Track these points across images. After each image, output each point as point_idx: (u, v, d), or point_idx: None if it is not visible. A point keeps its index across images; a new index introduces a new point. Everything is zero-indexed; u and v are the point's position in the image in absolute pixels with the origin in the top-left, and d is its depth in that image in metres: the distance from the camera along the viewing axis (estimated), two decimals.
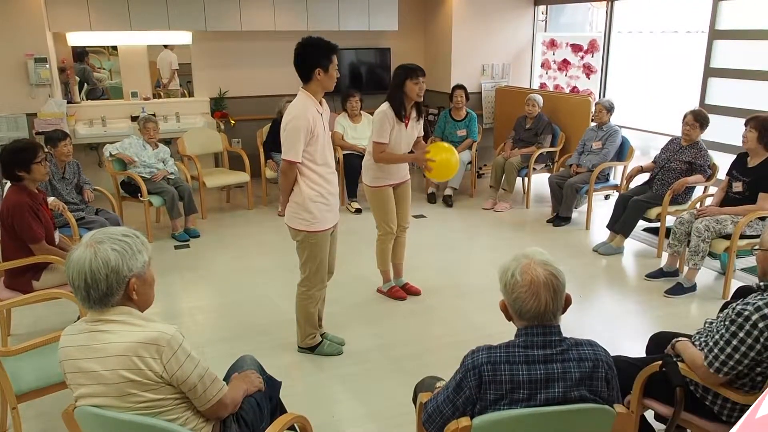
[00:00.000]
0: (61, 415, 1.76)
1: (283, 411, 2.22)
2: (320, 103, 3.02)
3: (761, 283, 2.09)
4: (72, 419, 1.71)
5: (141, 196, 5.07)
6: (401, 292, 4.10)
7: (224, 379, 2.04)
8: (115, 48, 6.72)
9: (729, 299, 2.33)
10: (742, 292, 2.23)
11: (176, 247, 5.12)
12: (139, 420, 1.61)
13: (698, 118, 4.56)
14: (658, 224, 4.80)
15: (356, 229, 5.56)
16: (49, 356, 2.50)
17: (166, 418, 1.66)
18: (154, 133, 5.32)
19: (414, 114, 3.77)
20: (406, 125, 3.74)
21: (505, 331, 1.73)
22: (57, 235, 3.56)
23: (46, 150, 4.00)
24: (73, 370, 1.65)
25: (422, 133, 3.94)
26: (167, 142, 6.19)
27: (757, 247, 2.15)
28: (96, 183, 4.96)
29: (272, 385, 2.20)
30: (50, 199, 3.98)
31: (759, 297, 2.02)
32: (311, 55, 2.91)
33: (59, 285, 3.31)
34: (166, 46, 6.92)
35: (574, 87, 7.02)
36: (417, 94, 3.64)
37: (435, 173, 3.72)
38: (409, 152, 3.88)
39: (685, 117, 4.63)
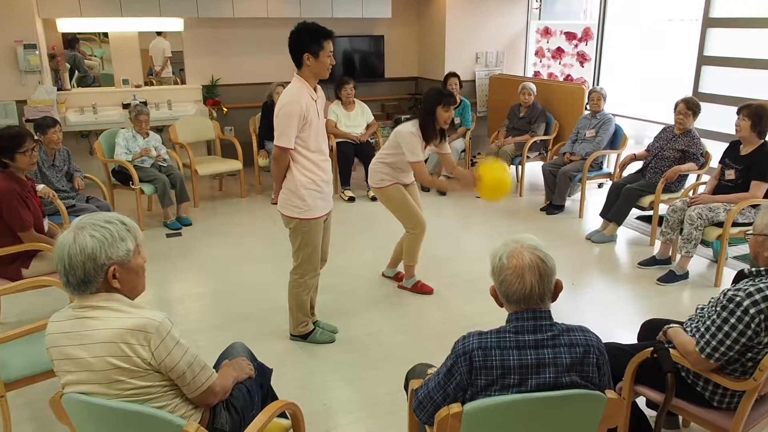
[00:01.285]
0: (48, 402, 1.74)
1: (274, 398, 2.22)
2: (315, 89, 2.98)
3: (753, 269, 2.09)
4: (59, 406, 1.70)
5: (132, 184, 5.04)
6: (427, 286, 4.01)
7: (215, 367, 2.03)
8: (106, 35, 6.64)
9: (730, 286, 2.31)
10: (742, 276, 2.23)
11: (168, 236, 5.10)
12: (127, 407, 1.60)
13: (690, 106, 4.56)
14: (651, 212, 4.80)
15: (349, 217, 5.55)
16: (37, 344, 2.48)
17: (154, 405, 1.65)
18: (146, 126, 5.27)
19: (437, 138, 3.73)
20: (426, 146, 3.72)
21: (498, 319, 1.73)
22: (46, 222, 3.53)
23: (36, 138, 3.96)
24: (60, 357, 1.64)
25: (449, 151, 3.87)
26: (159, 129, 6.13)
27: (750, 231, 2.15)
28: (87, 171, 4.92)
29: (263, 373, 2.19)
30: (40, 187, 3.94)
31: (750, 282, 2.02)
32: (301, 40, 2.86)
33: (49, 273, 3.29)
34: (159, 34, 6.84)
35: (568, 75, 6.99)
36: (445, 121, 3.62)
37: (486, 191, 3.35)
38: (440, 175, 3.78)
39: (677, 105, 4.62)
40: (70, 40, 6.60)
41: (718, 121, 5.10)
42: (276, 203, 3.15)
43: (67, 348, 1.61)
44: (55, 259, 1.61)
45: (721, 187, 4.12)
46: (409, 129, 3.64)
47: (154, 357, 1.60)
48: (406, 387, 2.21)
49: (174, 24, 6.64)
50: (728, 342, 1.98)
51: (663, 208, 4.57)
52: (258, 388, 2.08)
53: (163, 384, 1.67)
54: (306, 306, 3.31)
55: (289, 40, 2.90)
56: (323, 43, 2.86)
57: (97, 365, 1.58)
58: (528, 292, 1.63)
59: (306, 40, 2.86)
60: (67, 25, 6.30)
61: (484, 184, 3.31)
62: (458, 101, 6.42)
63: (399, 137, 3.66)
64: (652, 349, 2.16)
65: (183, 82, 6.95)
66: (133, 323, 1.59)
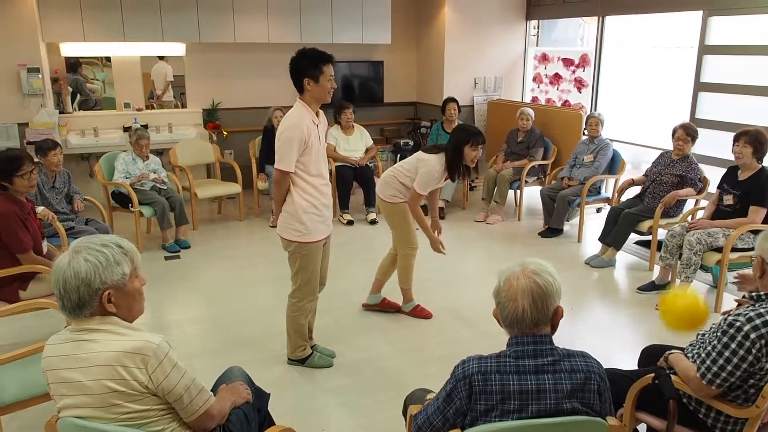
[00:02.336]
0: (44, 426, 1.72)
1: (272, 423, 2.19)
2: (317, 114, 3.00)
3: (753, 293, 2.09)
4: (55, 431, 1.67)
5: (132, 207, 5.04)
6: (426, 310, 3.99)
7: (212, 391, 2.01)
8: (108, 59, 6.72)
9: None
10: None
11: (166, 258, 5.08)
12: (123, 431, 1.58)
13: (689, 132, 4.60)
14: (649, 237, 4.80)
15: (348, 241, 5.54)
16: (33, 367, 2.45)
17: (150, 429, 1.63)
18: (146, 149, 5.31)
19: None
20: (445, 179, 3.76)
21: (498, 343, 1.72)
22: (45, 244, 3.52)
23: (36, 161, 3.97)
24: (56, 381, 1.62)
25: (442, 185, 3.90)
26: (159, 152, 6.16)
27: (755, 254, 2.14)
28: (87, 193, 4.93)
29: (261, 397, 2.17)
30: (40, 209, 3.94)
31: (750, 308, 2.01)
32: (301, 65, 2.89)
33: (47, 295, 3.27)
34: (161, 58, 6.91)
35: (566, 101, 7.06)
36: (472, 160, 3.65)
37: (672, 322, 2.82)
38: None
39: (675, 131, 4.66)
40: (73, 64, 6.67)
41: (715, 147, 5.14)
42: (275, 226, 3.16)
43: (64, 371, 1.60)
44: (52, 282, 1.60)
45: (719, 213, 4.13)
46: (434, 164, 3.61)
47: (151, 380, 1.58)
48: (404, 413, 2.18)
49: (176, 48, 6.71)
50: (729, 368, 1.97)
51: (662, 233, 4.57)
52: (255, 413, 2.06)
53: (160, 408, 1.65)
54: (304, 330, 3.29)
55: (289, 65, 2.93)
56: (323, 67, 2.88)
57: (94, 389, 1.57)
58: (520, 315, 1.62)
59: (306, 65, 2.88)
60: (71, 49, 6.37)
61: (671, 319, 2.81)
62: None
63: (421, 165, 3.63)
64: (653, 375, 2.15)
65: (184, 105, 7.00)
66: (130, 346, 1.58)
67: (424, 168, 3.62)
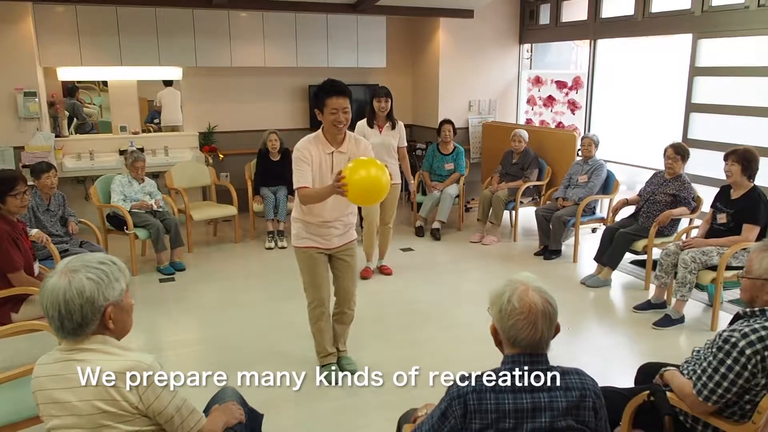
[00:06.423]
0: None
1: None
2: (334, 142, 3.11)
3: (747, 309, 2.09)
4: None
5: (127, 229, 5.03)
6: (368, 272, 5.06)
7: (205, 411, 1.99)
8: (105, 84, 6.77)
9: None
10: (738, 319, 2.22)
11: (161, 281, 5.06)
12: None
13: (679, 151, 4.64)
14: (644, 256, 4.81)
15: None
16: (24, 389, 2.41)
17: None
18: (142, 172, 5.32)
19: (388, 123, 4.90)
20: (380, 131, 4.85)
21: (492, 364, 1.70)
22: (36, 266, 3.50)
23: (30, 183, 3.98)
24: (45, 401, 1.60)
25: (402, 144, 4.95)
26: (155, 175, 6.17)
27: (743, 274, 2.15)
28: (82, 216, 4.92)
29: (254, 418, 2.16)
30: (33, 231, 3.95)
31: (745, 323, 2.01)
32: (315, 96, 3.14)
33: (39, 317, 3.24)
34: (167, 84, 6.94)
35: (560, 122, 7.12)
36: (380, 109, 4.83)
37: (353, 195, 2.77)
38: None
39: (666, 151, 4.70)
40: (70, 89, 6.71)
41: (708, 167, 5.18)
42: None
43: (54, 392, 1.58)
44: (45, 304, 1.57)
45: (713, 231, 4.14)
46: (358, 125, 4.90)
47: (141, 401, 1.57)
48: None
49: (173, 72, 6.77)
50: (725, 384, 1.96)
51: (657, 252, 4.58)
52: None
53: (151, 429, 1.63)
54: (320, 336, 3.37)
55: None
56: (326, 100, 3.02)
57: (84, 409, 1.55)
58: (538, 338, 1.60)
59: (315, 97, 3.13)
60: (68, 73, 6.42)
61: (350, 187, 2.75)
62: (452, 148, 6.50)
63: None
64: (648, 392, 2.13)
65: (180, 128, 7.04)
66: (121, 366, 1.56)
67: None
